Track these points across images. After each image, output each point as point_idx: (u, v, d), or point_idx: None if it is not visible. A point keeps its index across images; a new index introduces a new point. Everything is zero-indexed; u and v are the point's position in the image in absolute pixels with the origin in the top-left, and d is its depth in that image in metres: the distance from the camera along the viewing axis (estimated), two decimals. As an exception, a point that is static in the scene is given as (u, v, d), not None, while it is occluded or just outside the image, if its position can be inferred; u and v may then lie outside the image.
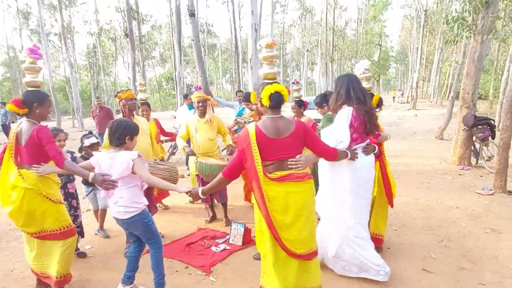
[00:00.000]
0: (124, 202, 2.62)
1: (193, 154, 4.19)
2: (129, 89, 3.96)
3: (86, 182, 3.88)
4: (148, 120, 4.80)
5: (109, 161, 2.62)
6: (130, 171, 2.56)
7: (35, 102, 2.71)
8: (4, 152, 2.85)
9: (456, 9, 8.08)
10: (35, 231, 2.82)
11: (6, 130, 15.37)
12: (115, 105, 40.17)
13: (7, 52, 35.58)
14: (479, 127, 6.95)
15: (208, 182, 4.18)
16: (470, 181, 6.23)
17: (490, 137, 6.92)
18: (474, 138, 7.29)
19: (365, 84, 3.64)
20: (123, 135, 2.63)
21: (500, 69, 22.19)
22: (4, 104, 16.91)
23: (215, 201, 4.62)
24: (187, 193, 2.66)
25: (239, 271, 3.25)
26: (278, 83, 2.46)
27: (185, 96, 7.89)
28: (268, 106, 2.36)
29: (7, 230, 4.53)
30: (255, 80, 8.40)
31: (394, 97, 38.63)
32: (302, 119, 4.34)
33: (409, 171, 7.07)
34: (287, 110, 4.36)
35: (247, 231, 3.84)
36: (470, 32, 7.09)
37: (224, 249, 3.69)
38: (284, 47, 47.74)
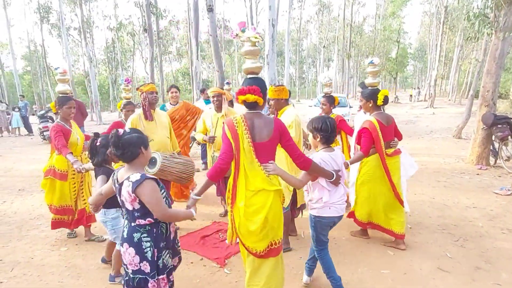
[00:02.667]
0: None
1: (212, 139, 4.22)
2: (151, 83, 4.03)
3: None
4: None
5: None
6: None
7: None
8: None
9: (477, 5, 7.91)
10: None
11: (26, 122, 15.83)
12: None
13: (28, 46, 36.43)
14: (499, 126, 6.80)
15: (224, 176, 4.26)
16: (488, 181, 6.12)
17: (510, 137, 6.77)
18: (493, 138, 7.14)
19: (371, 79, 3.78)
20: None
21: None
22: (23, 97, 17.40)
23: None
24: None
25: (253, 264, 3.30)
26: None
27: (202, 91, 7.98)
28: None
29: (27, 219, 4.70)
30: (271, 75, 8.40)
31: (411, 96, 37.32)
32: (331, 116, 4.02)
33: (425, 169, 6.98)
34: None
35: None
36: (492, 29, 6.93)
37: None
38: (300, 43, 47.45)
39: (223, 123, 2.37)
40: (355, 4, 38.18)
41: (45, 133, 12.16)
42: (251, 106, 2.32)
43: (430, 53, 35.38)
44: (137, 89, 3.91)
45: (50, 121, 12.21)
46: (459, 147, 9.34)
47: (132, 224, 2.00)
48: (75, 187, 3.88)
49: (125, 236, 2.01)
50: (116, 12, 32.43)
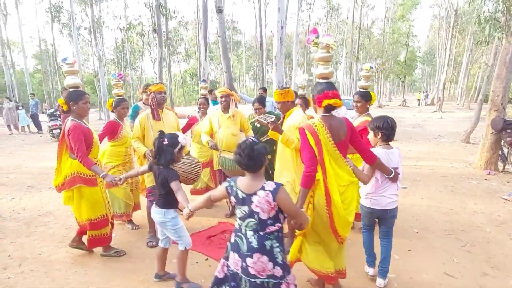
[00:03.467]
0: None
1: (216, 148, 4.25)
2: (159, 83, 4.05)
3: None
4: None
5: None
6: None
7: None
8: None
9: (488, 9, 7.84)
10: None
11: (36, 120, 16.01)
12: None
13: (38, 45, 36.86)
14: (508, 131, 6.72)
15: (229, 177, 4.26)
16: (496, 186, 6.05)
17: (520, 142, 6.69)
18: (502, 143, 7.06)
19: (363, 82, 3.89)
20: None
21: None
22: (33, 95, 17.60)
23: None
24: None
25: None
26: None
27: (210, 92, 8.00)
28: None
29: (36, 216, 4.76)
30: (279, 77, 8.41)
31: (418, 100, 36.82)
32: (362, 118, 3.82)
33: (432, 174, 6.92)
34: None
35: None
36: (503, 33, 6.86)
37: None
38: (308, 45, 47.32)
39: (299, 129, 2.48)
40: (364, 7, 37.95)
41: (54, 131, 12.29)
42: (330, 109, 2.47)
43: (439, 56, 35.10)
44: (146, 88, 3.95)
45: (59, 119, 12.32)
46: (467, 152, 9.25)
47: (261, 233, 1.99)
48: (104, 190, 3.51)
49: (255, 246, 1.98)
50: (126, 12, 32.61)
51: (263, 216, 1.96)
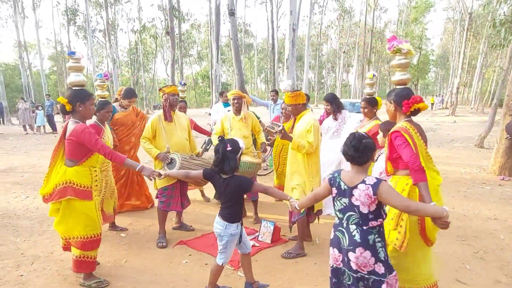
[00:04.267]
0: None
1: None
2: (173, 85, 4.08)
3: None
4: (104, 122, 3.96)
5: None
6: None
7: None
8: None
9: (504, 12, 7.72)
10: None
11: (51, 120, 16.32)
12: (152, 101, 41.42)
13: (54, 47, 37.59)
14: (524, 136, 6.60)
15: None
16: (510, 192, 5.92)
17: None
18: (517, 148, 6.92)
19: (368, 90, 4.17)
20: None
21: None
22: (49, 96, 17.97)
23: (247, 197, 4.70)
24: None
25: (267, 268, 3.30)
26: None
27: (221, 94, 8.04)
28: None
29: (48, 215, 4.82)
30: (291, 80, 8.40)
31: (432, 104, 35.80)
32: (373, 122, 3.92)
33: (445, 179, 6.77)
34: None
35: (277, 229, 3.88)
36: (519, 37, 6.74)
37: (253, 246, 3.74)
38: (320, 48, 47.25)
39: (390, 134, 2.42)
40: (377, 10, 37.78)
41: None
42: (416, 113, 2.45)
43: (453, 60, 34.64)
44: (160, 90, 3.98)
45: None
46: (480, 157, 9.08)
47: (364, 227, 2.00)
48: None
49: (358, 240, 1.98)
50: (140, 15, 33.06)
51: (364, 210, 1.97)
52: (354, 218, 2.01)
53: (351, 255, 1.99)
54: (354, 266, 1.99)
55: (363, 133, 2.07)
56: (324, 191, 2.20)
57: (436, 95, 43.64)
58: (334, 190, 2.09)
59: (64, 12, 30.54)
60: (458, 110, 25.75)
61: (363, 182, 1.97)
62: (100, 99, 3.96)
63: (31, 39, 41.86)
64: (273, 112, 7.60)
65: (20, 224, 4.45)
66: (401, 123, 2.43)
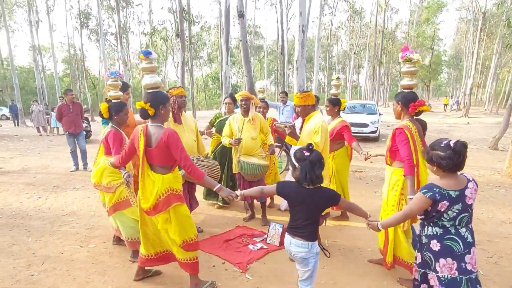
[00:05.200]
0: None
1: (238, 142, 4.19)
2: (180, 86, 4.08)
3: None
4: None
5: None
6: None
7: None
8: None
9: (519, 11, 7.55)
10: None
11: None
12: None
13: (68, 50, 38.19)
14: (541, 138, 6.45)
15: (248, 181, 4.24)
16: (527, 196, 5.79)
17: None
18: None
19: (334, 90, 4.39)
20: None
21: None
22: (62, 98, 18.21)
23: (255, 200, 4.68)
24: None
25: (275, 271, 3.27)
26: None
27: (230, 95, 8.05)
28: None
29: (60, 215, 4.89)
30: (300, 81, 8.38)
31: (445, 105, 34.44)
32: (336, 120, 4.31)
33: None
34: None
35: (285, 232, 3.84)
36: (535, 36, 6.59)
37: (261, 248, 3.73)
38: (330, 49, 47.03)
39: (394, 130, 2.89)
40: (388, 10, 37.44)
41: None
42: (419, 114, 2.92)
43: (466, 60, 34.10)
44: (167, 92, 3.99)
45: (85, 121, 12.68)
46: (495, 159, 8.90)
47: (470, 225, 2.12)
48: None
49: (471, 240, 2.08)
50: (150, 17, 33.41)
51: (472, 205, 2.08)
52: (465, 219, 2.06)
53: (467, 257, 2.05)
54: (469, 267, 2.05)
55: (463, 141, 2.09)
56: (419, 209, 2.11)
57: (451, 96, 42.87)
58: (445, 203, 2.00)
59: (77, 15, 31.03)
60: (471, 112, 25.33)
61: (468, 180, 2.08)
62: (113, 100, 3.57)
63: (45, 42, 42.67)
64: (282, 114, 7.58)
65: (32, 224, 4.51)
66: (405, 121, 2.87)
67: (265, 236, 3.95)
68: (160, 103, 2.66)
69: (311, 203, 2.22)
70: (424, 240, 2.17)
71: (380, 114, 13.58)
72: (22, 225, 4.48)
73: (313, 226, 2.27)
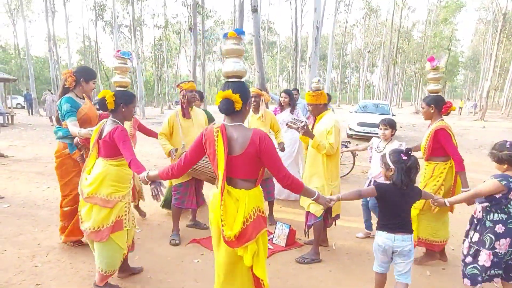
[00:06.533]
0: None
1: None
2: (191, 81, 4.01)
3: None
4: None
5: None
6: None
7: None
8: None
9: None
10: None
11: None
12: (175, 96, 41.90)
13: (83, 41, 38.62)
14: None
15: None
16: (544, 204, 5.57)
17: None
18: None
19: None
20: None
21: None
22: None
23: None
24: None
25: (280, 272, 3.20)
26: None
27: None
28: None
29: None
30: (313, 79, 8.24)
31: (461, 108, 32.37)
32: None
33: (472, 186, 6.46)
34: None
35: (292, 233, 3.77)
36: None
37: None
38: (344, 47, 46.53)
39: (437, 130, 3.21)
40: (405, 9, 36.76)
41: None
42: (449, 113, 3.41)
43: (484, 62, 33.39)
44: (177, 86, 3.93)
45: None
46: (512, 165, 8.64)
47: None
48: None
49: None
50: (164, 10, 33.47)
51: None
52: None
53: None
54: None
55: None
56: (488, 192, 2.45)
57: (468, 99, 41.80)
58: None
59: (93, 7, 31.28)
60: (487, 115, 24.76)
61: None
62: (117, 88, 2.80)
63: (61, 33, 43.13)
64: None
65: (39, 214, 4.53)
66: (440, 122, 3.27)
67: (272, 236, 3.88)
68: (248, 98, 2.13)
69: (408, 199, 2.45)
70: (489, 224, 2.47)
71: (393, 115, 13.35)
72: (29, 215, 4.50)
73: (410, 220, 2.53)
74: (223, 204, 2.02)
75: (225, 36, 2.14)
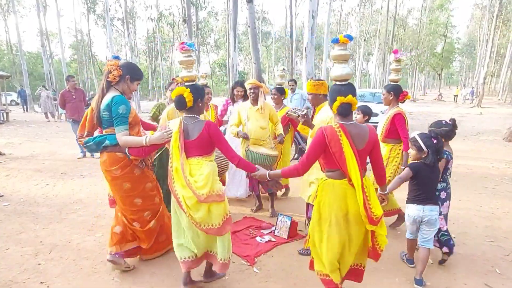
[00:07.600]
0: None
1: (246, 137, 4.14)
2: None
3: None
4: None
5: None
6: None
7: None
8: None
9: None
10: None
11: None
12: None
13: (75, 35, 38.13)
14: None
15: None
16: (543, 190, 5.63)
17: None
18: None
19: (279, 80, 4.75)
20: None
21: None
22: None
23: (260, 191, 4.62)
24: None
25: (283, 264, 3.21)
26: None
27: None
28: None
29: (67, 203, 4.87)
30: (309, 69, 8.21)
31: (456, 96, 32.35)
32: (285, 108, 4.69)
33: (471, 174, 6.55)
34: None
35: (294, 224, 3.78)
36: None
37: (269, 241, 3.66)
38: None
39: (395, 114, 3.61)
40: (400, -4, 36.51)
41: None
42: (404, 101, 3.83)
43: (480, 48, 33.26)
44: (173, 79, 3.88)
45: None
46: (509, 151, 8.70)
47: None
48: None
49: None
50: (157, 2, 33.14)
51: None
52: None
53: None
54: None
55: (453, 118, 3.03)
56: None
57: (464, 85, 41.69)
58: (452, 161, 3.05)
59: (84, 0, 30.83)
60: (484, 101, 24.78)
61: None
62: (185, 82, 2.75)
63: (53, 27, 42.58)
64: (291, 102, 7.45)
65: (40, 212, 4.51)
66: (398, 108, 3.68)
67: (273, 228, 3.89)
68: (195, 96, 2.55)
69: (437, 174, 2.91)
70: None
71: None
72: (30, 212, 4.48)
73: (435, 192, 2.97)
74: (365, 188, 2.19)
75: (336, 41, 2.30)
